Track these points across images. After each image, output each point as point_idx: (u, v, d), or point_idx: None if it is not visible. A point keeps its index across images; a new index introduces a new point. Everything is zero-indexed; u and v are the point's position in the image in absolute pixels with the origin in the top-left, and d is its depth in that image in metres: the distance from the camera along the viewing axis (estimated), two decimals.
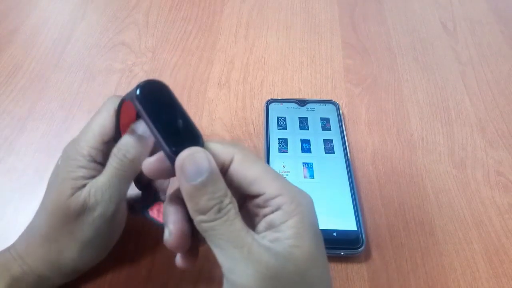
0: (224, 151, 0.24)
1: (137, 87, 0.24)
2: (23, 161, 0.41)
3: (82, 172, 0.28)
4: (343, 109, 0.46)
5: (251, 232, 0.23)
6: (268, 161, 0.40)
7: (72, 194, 0.27)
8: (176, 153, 0.23)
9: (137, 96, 0.24)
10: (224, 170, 0.24)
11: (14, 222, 0.36)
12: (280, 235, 0.23)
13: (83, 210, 0.27)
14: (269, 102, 0.45)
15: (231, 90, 0.48)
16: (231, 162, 0.24)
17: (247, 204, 0.25)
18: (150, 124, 0.24)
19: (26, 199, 0.38)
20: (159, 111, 0.24)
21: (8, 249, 0.29)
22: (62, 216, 0.27)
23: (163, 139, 0.23)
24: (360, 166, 0.41)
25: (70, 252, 0.28)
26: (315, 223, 0.24)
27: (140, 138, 0.27)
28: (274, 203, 0.23)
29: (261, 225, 0.24)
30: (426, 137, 0.44)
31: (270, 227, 0.23)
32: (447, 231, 0.37)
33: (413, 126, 0.45)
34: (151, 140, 0.27)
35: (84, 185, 0.27)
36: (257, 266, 0.21)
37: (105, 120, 0.28)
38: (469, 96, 0.49)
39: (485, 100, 0.48)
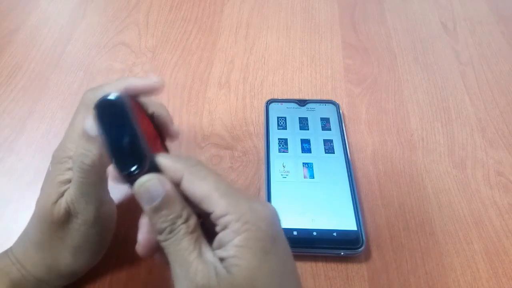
0: (172, 169, 0.24)
1: (97, 101, 0.25)
2: (23, 161, 0.41)
3: (69, 174, 0.27)
4: (343, 109, 0.46)
5: (202, 251, 0.23)
6: (268, 161, 0.40)
7: (57, 200, 0.27)
8: (128, 175, 0.24)
9: (94, 112, 0.25)
10: (176, 186, 0.24)
11: (14, 222, 0.36)
12: (225, 254, 0.23)
13: (67, 217, 0.27)
14: (269, 102, 0.45)
15: (231, 90, 0.48)
16: (181, 180, 0.24)
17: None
18: (104, 141, 0.24)
19: (26, 199, 0.38)
20: (114, 129, 0.25)
21: (6, 253, 0.29)
22: (50, 223, 0.28)
23: (115, 159, 0.24)
24: (360, 166, 0.41)
25: (64, 257, 0.29)
26: (266, 241, 0.23)
27: (95, 140, 0.26)
28: (222, 221, 0.23)
29: (214, 244, 0.24)
30: (426, 137, 0.44)
31: (220, 246, 0.23)
32: (447, 231, 0.37)
33: (413, 126, 0.45)
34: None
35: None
36: (190, 285, 0.22)
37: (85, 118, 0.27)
38: (469, 96, 0.49)
39: (485, 100, 0.48)
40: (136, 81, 0.28)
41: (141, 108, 0.29)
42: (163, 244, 0.24)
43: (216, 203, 0.23)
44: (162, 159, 0.25)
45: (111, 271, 0.33)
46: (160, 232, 0.24)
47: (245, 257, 0.22)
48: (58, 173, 0.28)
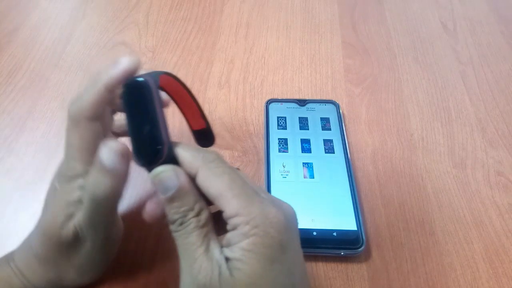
0: (189, 163, 0.24)
1: (125, 83, 0.25)
2: (23, 161, 0.41)
3: (78, 195, 0.26)
4: (343, 109, 0.46)
5: (210, 247, 0.23)
6: (268, 161, 0.40)
7: (64, 222, 0.26)
8: (144, 165, 0.24)
9: (121, 95, 0.25)
10: (192, 179, 0.24)
11: (14, 222, 0.36)
12: (231, 255, 0.23)
13: (75, 240, 0.27)
14: (269, 102, 0.45)
15: (231, 90, 0.48)
16: (196, 175, 0.24)
17: None
18: (128, 126, 0.24)
19: (26, 199, 0.38)
20: (136, 115, 0.24)
21: (7, 262, 0.29)
22: (57, 243, 0.27)
23: (133, 147, 0.24)
24: (360, 166, 0.41)
25: (69, 274, 0.28)
26: (274, 248, 0.22)
27: (109, 172, 0.25)
28: (232, 222, 0.23)
29: (224, 241, 0.24)
30: (426, 137, 0.44)
31: (228, 244, 0.23)
32: (447, 231, 0.37)
33: (413, 126, 0.45)
34: (121, 172, 0.25)
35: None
36: (192, 281, 0.23)
37: (82, 131, 0.26)
38: (469, 96, 0.49)
39: (485, 100, 0.48)
40: (112, 74, 0.26)
41: (178, 84, 0.29)
42: (174, 235, 0.24)
43: (228, 203, 0.23)
44: (180, 151, 0.25)
45: (110, 273, 0.33)
46: (172, 222, 0.24)
47: (249, 262, 0.22)
48: (65, 192, 0.27)
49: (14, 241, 0.30)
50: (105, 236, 0.28)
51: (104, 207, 0.26)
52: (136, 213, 0.37)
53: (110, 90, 0.26)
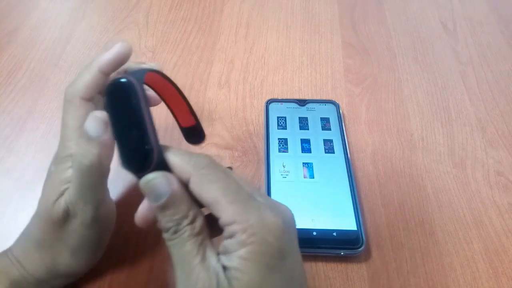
0: (180, 169, 0.23)
1: (107, 85, 0.23)
2: (23, 161, 0.41)
3: (70, 173, 0.27)
4: (343, 109, 0.46)
5: (207, 255, 0.23)
6: (268, 161, 0.40)
7: (57, 199, 0.27)
8: (132, 172, 0.23)
9: (104, 98, 0.24)
10: (184, 185, 0.24)
11: (14, 222, 0.36)
12: (229, 264, 0.22)
13: (66, 218, 0.27)
14: (269, 102, 0.45)
15: (231, 90, 0.48)
16: (188, 181, 0.23)
17: None
18: (113, 132, 0.24)
19: (26, 199, 0.38)
20: (122, 120, 0.23)
21: (5, 253, 0.29)
22: (50, 222, 0.27)
23: (120, 154, 0.23)
24: (360, 166, 0.41)
25: (63, 258, 0.28)
26: (272, 256, 0.22)
27: (95, 140, 0.25)
28: (228, 230, 0.22)
29: (220, 248, 0.23)
30: (426, 137, 0.44)
31: (225, 252, 0.23)
32: (447, 231, 0.37)
33: (413, 126, 0.45)
34: (106, 141, 0.25)
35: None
36: None
37: (76, 111, 0.27)
38: (469, 96, 0.49)
39: (485, 100, 0.48)
40: (105, 57, 0.27)
41: (165, 81, 0.28)
42: (167, 243, 0.23)
43: (224, 210, 0.22)
44: (171, 156, 0.24)
45: (111, 271, 0.33)
46: (165, 231, 0.23)
47: (248, 271, 0.22)
48: (59, 171, 0.27)
49: (14, 241, 0.30)
50: (95, 213, 0.27)
51: (92, 177, 0.26)
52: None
53: (104, 72, 0.27)
